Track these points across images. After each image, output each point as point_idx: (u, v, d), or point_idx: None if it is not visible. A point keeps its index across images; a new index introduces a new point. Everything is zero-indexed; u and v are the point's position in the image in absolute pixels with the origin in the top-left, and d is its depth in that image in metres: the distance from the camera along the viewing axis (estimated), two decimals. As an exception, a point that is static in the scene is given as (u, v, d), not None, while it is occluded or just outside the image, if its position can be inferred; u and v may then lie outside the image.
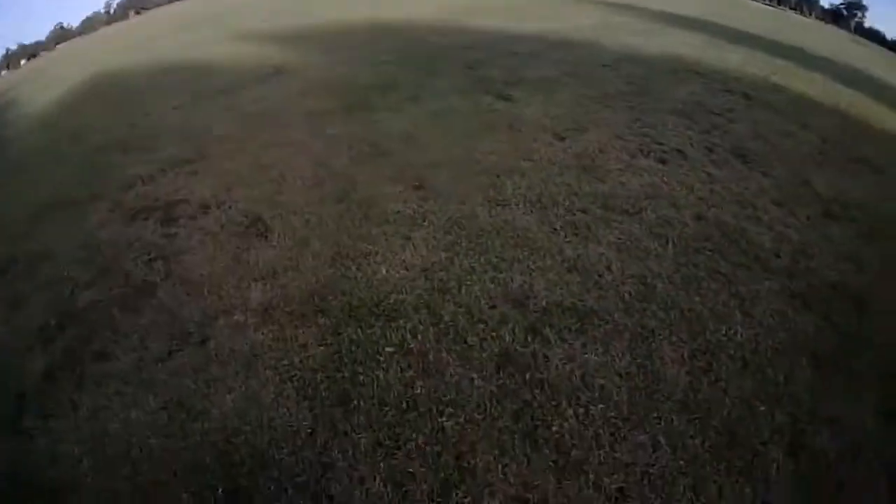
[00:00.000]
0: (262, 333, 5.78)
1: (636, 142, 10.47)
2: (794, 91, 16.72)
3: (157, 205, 8.37)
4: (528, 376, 5.26)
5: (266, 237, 7.22)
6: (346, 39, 20.31)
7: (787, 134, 12.48)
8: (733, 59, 19.09)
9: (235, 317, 6.01)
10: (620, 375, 5.42)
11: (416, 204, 7.77)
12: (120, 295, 6.62)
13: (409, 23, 22.34)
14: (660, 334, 5.92)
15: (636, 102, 12.90)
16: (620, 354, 5.62)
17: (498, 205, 7.82)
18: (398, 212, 7.57)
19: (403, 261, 6.62)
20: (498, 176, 8.61)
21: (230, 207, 7.97)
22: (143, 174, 9.46)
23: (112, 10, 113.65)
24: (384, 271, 6.45)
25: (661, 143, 10.50)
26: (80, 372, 5.69)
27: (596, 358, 5.54)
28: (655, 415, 5.12)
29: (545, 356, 5.47)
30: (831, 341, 6.36)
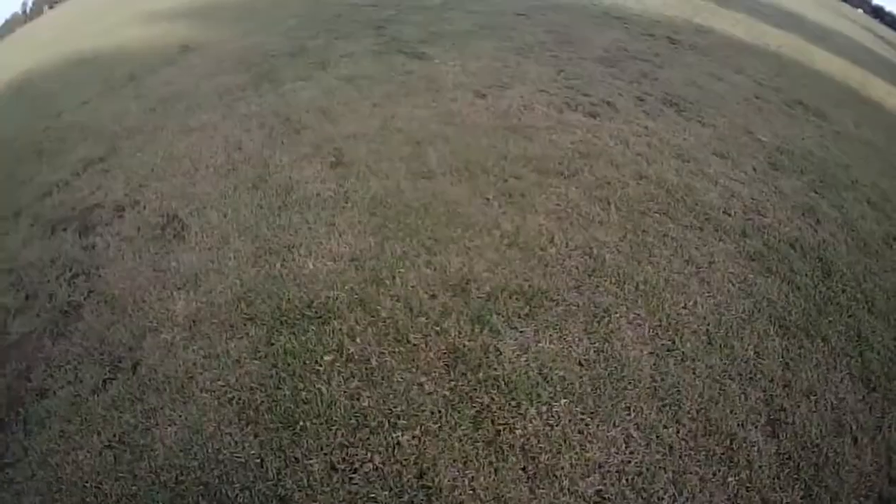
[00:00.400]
0: (193, 351, 5.14)
1: (562, 95, 10.02)
2: (719, 33, 16.79)
3: (74, 213, 7.64)
4: (481, 375, 4.77)
5: (184, 238, 6.54)
6: (251, 5, 19.49)
7: (718, 78, 12.42)
8: (651, 1, 18.84)
9: (163, 334, 5.36)
10: (581, 364, 4.97)
11: (335, 183, 7.16)
12: (49, 321, 5.90)
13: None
14: (616, 312, 5.49)
15: (558, 52, 12.50)
16: (577, 339, 5.17)
17: (423, 177, 7.28)
18: (318, 194, 6.95)
19: (330, 250, 6.04)
20: (419, 143, 8.06)
21: (144, 207, 7.27)
22: (58, 180, 8.66)
23: (28, 9, 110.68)
24: (311, 265, 5.86)
25: (588, 95, 10.09)
26: (24, 413, 5.02)
27: (551, 346, 5.08)
28: (624, 405, 4.71)
29: (497, 349, 4.99)
30: (798, 306, 6.08)
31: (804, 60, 17.08)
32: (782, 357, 5.41)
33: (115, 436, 4.63)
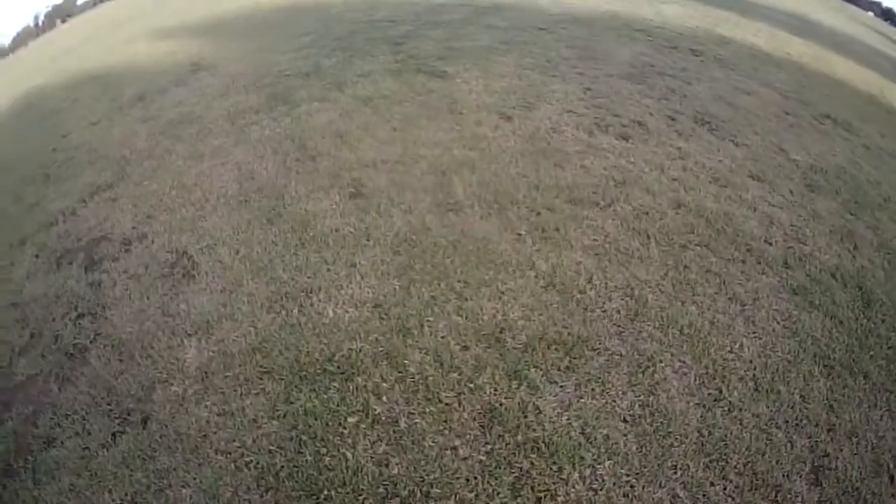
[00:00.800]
0: (206, 407, 4.72)
1: (591, 115, 9.56)
2: (741, 43, 16.42)
3: (80, 245, 7.29)
4: (519, 437, 4.35)
5: (194, 278, 6.12)
6: (262, 22, 19.14)
7: (747, 93, 12.00)
8: (670, 11, 18.47)
9: (173, 386, 4.94)
10: (625, 420, 4.56)
11: (355, 218, 6.71)
12: (55, 363, 5.53)
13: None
14: (660, 360, 5.08)
15: (582, 68, 12.00)
16: (621, 393, 4.76)
17: (450, 210, 6.83)
18: (336, 230, 6.50)
19: (351, 295, 5.58)
20: (444, 172, 7.60)
21: (153, 241, 6.86)
22: (64, 208, 8.31)
23: (41, 22, 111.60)
24: (331, 312, 5.41)
25: (618, 115, 9.63)
26: (33, 462, 4.66)
27: (594, 401, 4.67)
28: (670, 463, 4.30)
29: (536, 407, 4.56)
30: (840, 342, 5.69)
31: (826, 70, 16.70)
32: (826, 399, 5.05)
33: (127, 495, 4.25)
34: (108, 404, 4.95)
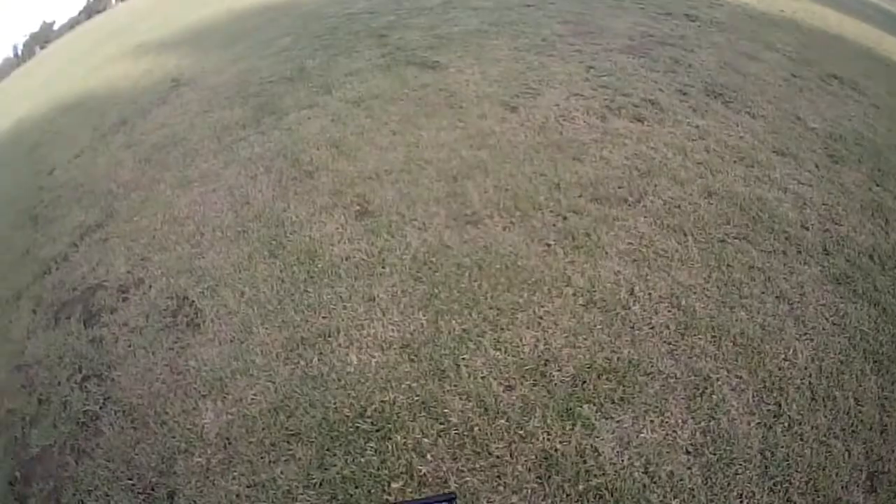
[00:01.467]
0: (233, 478, 4.27)
1: (599, 97, 9.06)
2: (735, 3, 15.94)
3: (76, 294, 6.85)
4: (580, 486, 3.93)
5: (199, 326, 5.62)
6: (238, 28, 18.64)
7: (751, 57, 11.61)
8: None
9: (196, 457, 4.49)
10: (688, 452, 4.18)
11: (366, 242, 6.18)
12: (68, 434, 5.10)
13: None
14: (717, 378, 4.69)
15: (580, 45, 11.53)
16: (681, 422, 4.36)
17: (468, 222, 6.32)
18: (347, 258, 5.98)
19: (374, 336, 5.08)
20: (455, 178, 7.09)
21: (150, 287, 6.38)
22: (56, 254, 7.89)
23: (20, 52, 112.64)
24: (354, 358, 4.92)
25: (627, 95, 9.16)
26: None
27: (654, 435, 4.27)
28: (736, 492, 3.97)
29: (594, 449, 4.14)
30: (886, 332, 5.37)
31: (822, 25, 16.36)
32: (878, 398, 4.76)
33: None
34: (130, 479, 4.54)
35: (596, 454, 4.12)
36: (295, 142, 8.66)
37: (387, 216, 6.58)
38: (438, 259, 5.86)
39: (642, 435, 4.25)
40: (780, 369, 4.82)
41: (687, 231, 6.17)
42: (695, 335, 5.03)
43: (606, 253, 5.86)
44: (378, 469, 4.12)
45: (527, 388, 4.56)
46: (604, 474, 4.00)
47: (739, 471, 4.07)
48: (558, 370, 4.69)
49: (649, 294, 5.39)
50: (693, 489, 3.94)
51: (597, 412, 4.39)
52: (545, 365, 4.73)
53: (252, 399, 4.82)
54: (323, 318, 5.40)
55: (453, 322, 5.14)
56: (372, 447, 4.26)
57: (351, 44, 13.25)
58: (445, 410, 4.44)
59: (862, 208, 7.08)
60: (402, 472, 4.08)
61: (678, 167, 7.24)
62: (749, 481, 4.02)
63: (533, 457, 4.12)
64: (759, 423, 4.40)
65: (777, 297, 5.52)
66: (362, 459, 4.19)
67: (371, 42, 13.12)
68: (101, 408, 5.23)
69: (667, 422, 4.35)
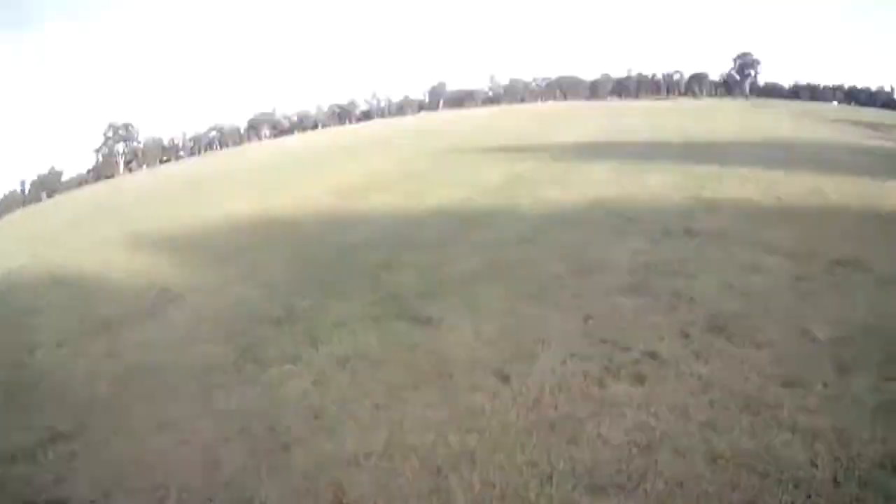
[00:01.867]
0: None
1: (598, 357, 8.58)
2: (733, 203, 16.73)
3: (40, 501, 6.84)
4: None
5: None
6: (235, 244, 19.23)
7: (754, 269, 11.50)
8: (655, 181, 18.38)
9: None
10: None
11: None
12: None
13: (299, 216, 21.66)
14: None
15: (578, 288, 11.53)
16: None
17: (451, 525, 5.79)
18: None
19: None
20: (438, 470, 6.53)
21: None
22: (24, 447, 7.99)
23: (27, 190, 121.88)
24: None
25: (627, 349, 8.71)
26: None
27: None
28: None
29: None
30: None
31: (819, 202, 16.70)
32: None
33: None
34: None
35: None
36: (274, 404, 8.35)
37: (364, 511, 6.09)
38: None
39: None
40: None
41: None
42: None
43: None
44: None
45: None
46: None
47: None
48: None
49: None
50: None
51: None
52: None
53: None
54: None
55: None
56: None
57: (343, 284, 13.40)
58: None
59: (873, 416, 6.70)
60: None
61: (680, 434, 6.71)
62: None
63: None
64: None
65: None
66: None
67: (364, 283, 13.24)
68: None
69: None
